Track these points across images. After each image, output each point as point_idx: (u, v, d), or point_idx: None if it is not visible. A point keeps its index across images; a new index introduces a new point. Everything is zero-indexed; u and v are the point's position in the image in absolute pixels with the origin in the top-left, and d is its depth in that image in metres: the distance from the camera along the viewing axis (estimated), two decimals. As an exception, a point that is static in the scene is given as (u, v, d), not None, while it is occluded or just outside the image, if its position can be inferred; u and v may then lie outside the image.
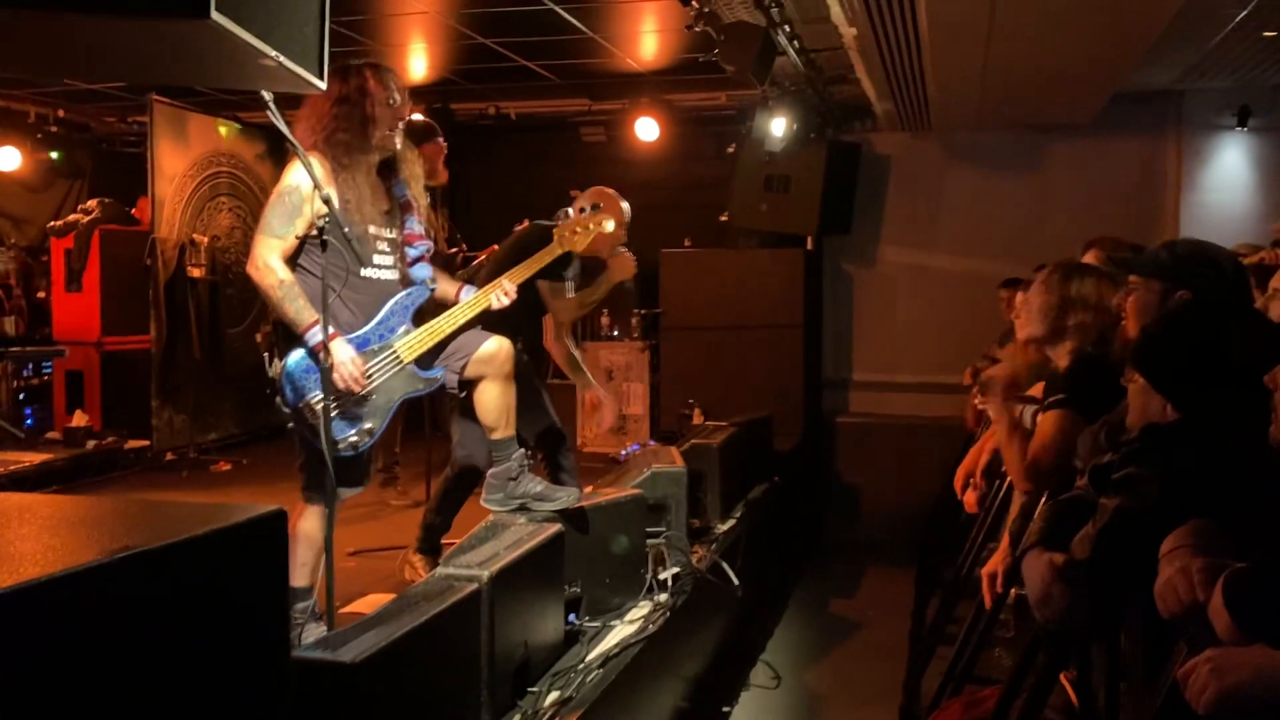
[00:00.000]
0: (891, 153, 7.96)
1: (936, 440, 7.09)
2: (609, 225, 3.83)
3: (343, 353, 3.08)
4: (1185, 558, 1.70)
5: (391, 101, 3.21)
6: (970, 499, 4.15)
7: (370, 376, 3.18)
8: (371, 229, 3.23)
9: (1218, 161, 7.39)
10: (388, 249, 3.30)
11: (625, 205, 4.48)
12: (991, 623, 3.31)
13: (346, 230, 2.98)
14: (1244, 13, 5.11)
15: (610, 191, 4.51)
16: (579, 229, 3.71)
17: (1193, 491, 1.86)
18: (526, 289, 4.09)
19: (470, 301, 3.37)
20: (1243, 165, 7.35)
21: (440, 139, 5.19)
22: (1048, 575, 2.05)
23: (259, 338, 3.23)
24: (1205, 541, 1.74)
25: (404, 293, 3.32)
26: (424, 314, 3.36)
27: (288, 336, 3.11)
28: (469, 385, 3.41)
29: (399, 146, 3.29)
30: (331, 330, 3.01)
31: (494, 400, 3.38)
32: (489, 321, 3.87)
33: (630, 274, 4.55)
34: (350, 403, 3.14)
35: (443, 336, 3.30)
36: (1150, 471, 1.95)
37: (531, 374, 4.46)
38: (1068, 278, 3.13)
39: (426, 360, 3.31)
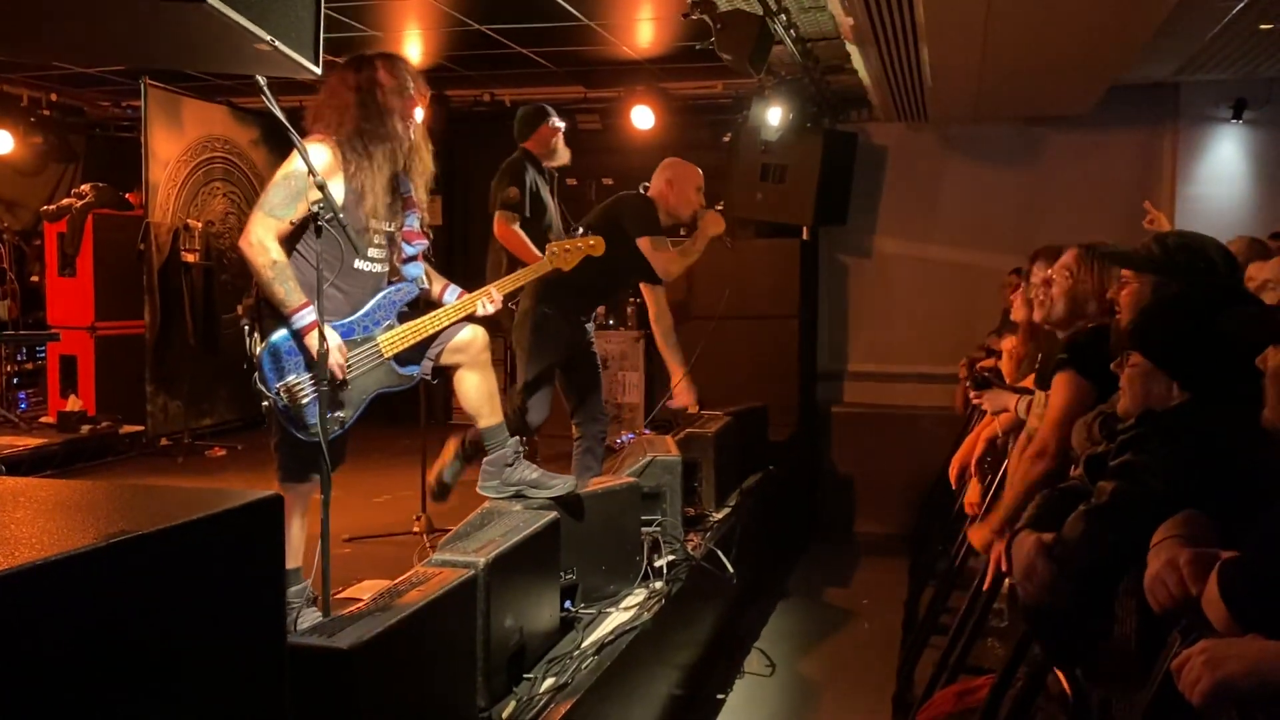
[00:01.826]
0: (888, 143, 7.95)
1: (931, 431, 7.11)
2: (599, 247, 3.85)
3: (329, 339, 3.07)
4: (1173, 549, 1.70)
5: (404, 91, 3.21)
6: (974, 491, 4.15)
7: (350, 366, 3.17)
8: (373, 222, 3.22)
9: (1213, 154, 7.39)
10: (383, 243, 3.29)
11: (699, 173, 4.83)
12: (985, 613, 3.33)
13: (343, 217, 2.97)
14: (1241, 5, 5.10)
15: (679, 160, 4.82)
16: (569, 248, 3.75)
17: (1193, 478, 1.86)
18: (626, 254, 4.26)
19: (456, 305, 3.37)
20: (1238, 158, 7.36)
21: (552, 119, 5.17)
22: (1033, 551, 2.06)
23: (240, 309, 3.22)
24: (1194, 532, 1.74)
25: (393, 288, 3.32)
26: (411, 311, 3.37)
27: (272, 315, 3.10)
28: (443, 373, 3.41)
29: (415, 137, 3.28)
30: (316, 317, 3.00)
31: (474, 388, 3.39)
32: (583, 284, 4.29)
33: (722, 228, 4.75)
34: (325, 390, 3.13)
35: (425, 336, 3.30)
36: (1151, 459, 1.95)
37: (598, 365, 4.71)
38: (1091, 266, 3.12)
39: (406, 357, 3.30)
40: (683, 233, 4.98)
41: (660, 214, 4.68)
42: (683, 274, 5.02)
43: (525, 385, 4.47)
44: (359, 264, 3.22)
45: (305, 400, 3.07)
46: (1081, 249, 3.18)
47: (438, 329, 3.32)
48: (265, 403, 3.12)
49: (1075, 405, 2.81)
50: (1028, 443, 3.24)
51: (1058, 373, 2.93)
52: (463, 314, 3.38)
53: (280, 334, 3.09)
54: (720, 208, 4.83)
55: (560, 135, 5.17)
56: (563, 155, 5.20)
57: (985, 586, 3.22)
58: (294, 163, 3.09)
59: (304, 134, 3.07)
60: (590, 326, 4.71)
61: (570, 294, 4.50)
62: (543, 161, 5.19)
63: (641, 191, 4.74)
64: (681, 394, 5.09)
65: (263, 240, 3.05)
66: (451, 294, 3.43)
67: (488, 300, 3.43)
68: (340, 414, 3.19)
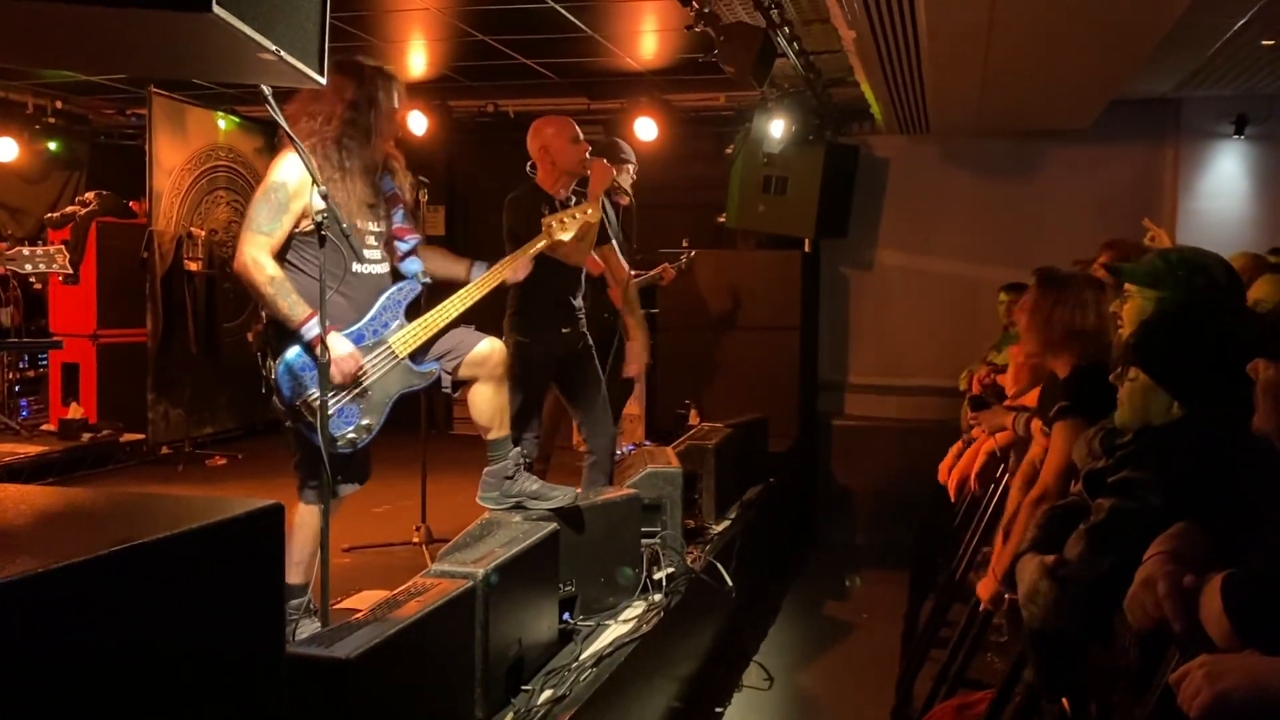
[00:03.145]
0: (889, 156, 7.97)
1: (931, 444, 7.08)
2: (594, 214, 3.82)
3: (341, 346, 3.08)
4: (1156, 566, 1.70)
5: (393, 115, 3.24)
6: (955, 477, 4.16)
7: (366, 372, 3.17)
8: (358, 224, 3.22)
9: (1214, 169, 7.40)
10: (375, 243, 3.30)
11: (571, 122, 4.35)
12: (984, 627, 3.33)
13: (345, 226, 2.97)
14: (1242, 21, 5.12)
15: (545, 118, 4.40)
16: (565, 219, 3.70)
17: (1191, 492, 1.86)
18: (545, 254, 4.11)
19: (463, 293, 3.35)
20: (1239, 173, 7.37)
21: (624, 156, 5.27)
22: (1036, 573, 2.06)
23: (250, 337, 3.22)
24: (1185, 545, 1.74)
25: (396, 287, 3.32)
26: (417, 308, 3.36)
27: (280, 334, 3.10)
28: (461, 386, 3.41)
29: (382, 153, 3.30)
30: (326, 325, 3.00)
31: (487, 402, 3.38)
32: (541, 297, 4.15)
33: (609, 178, 4.26)
34: (348, 399, 3.13)
35: (437, 330, 3.30)
36: (1148, 475, 1.95)
37: (597, 370, 4.46)
38: (1050, 292, 3.15)
39: (421, 354, 3.30)
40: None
41: (551, 188, 4.27)
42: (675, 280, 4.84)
43: (511, 417, 4.37)
44: (358, 267, 3.22)
45: (328, 413, 3.06)
46: (1038, 280, 3.21)
47: (449, 320, 3.31)
48: (288, 423, 3.12)
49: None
50: (1029, 469, 3.24)
51: (1058, 421, 2.94)
52: (484, 291, 3.37)
53: (293, 352, 3.08)
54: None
55: (628, 171, 5.25)
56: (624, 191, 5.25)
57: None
58: (274, 175, 3.10)
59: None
60: (576, 334, 4.37)
61: (537, 312, 4.29)
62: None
63: (530, 171, 4.38)
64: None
65: (257, 258, 3.05)
66: (479, 270, 3.44)
67: (519, 268, 3.48)
68: (366, 421, 3.19)
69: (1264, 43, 5.63)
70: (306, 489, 3.26)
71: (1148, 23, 4.64)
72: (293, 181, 3.01)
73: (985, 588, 3.16)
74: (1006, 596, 3.08)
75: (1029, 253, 6.42)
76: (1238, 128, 7.19)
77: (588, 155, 4.25)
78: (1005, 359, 5.47)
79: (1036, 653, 2.19)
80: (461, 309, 3.34)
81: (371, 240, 3.28)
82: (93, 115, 8.83)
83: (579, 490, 3.97)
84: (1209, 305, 2.26)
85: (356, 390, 3.14)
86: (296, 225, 3.10)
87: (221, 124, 8.07)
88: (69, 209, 7.86)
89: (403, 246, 3.38)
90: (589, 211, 3.77)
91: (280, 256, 3.12)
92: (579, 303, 4.39)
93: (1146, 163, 7.51)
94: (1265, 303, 3.22)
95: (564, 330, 4.33)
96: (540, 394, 4.43)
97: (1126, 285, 2.64)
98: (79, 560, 1.36)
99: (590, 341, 4.45)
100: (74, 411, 7.22)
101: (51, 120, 8.27)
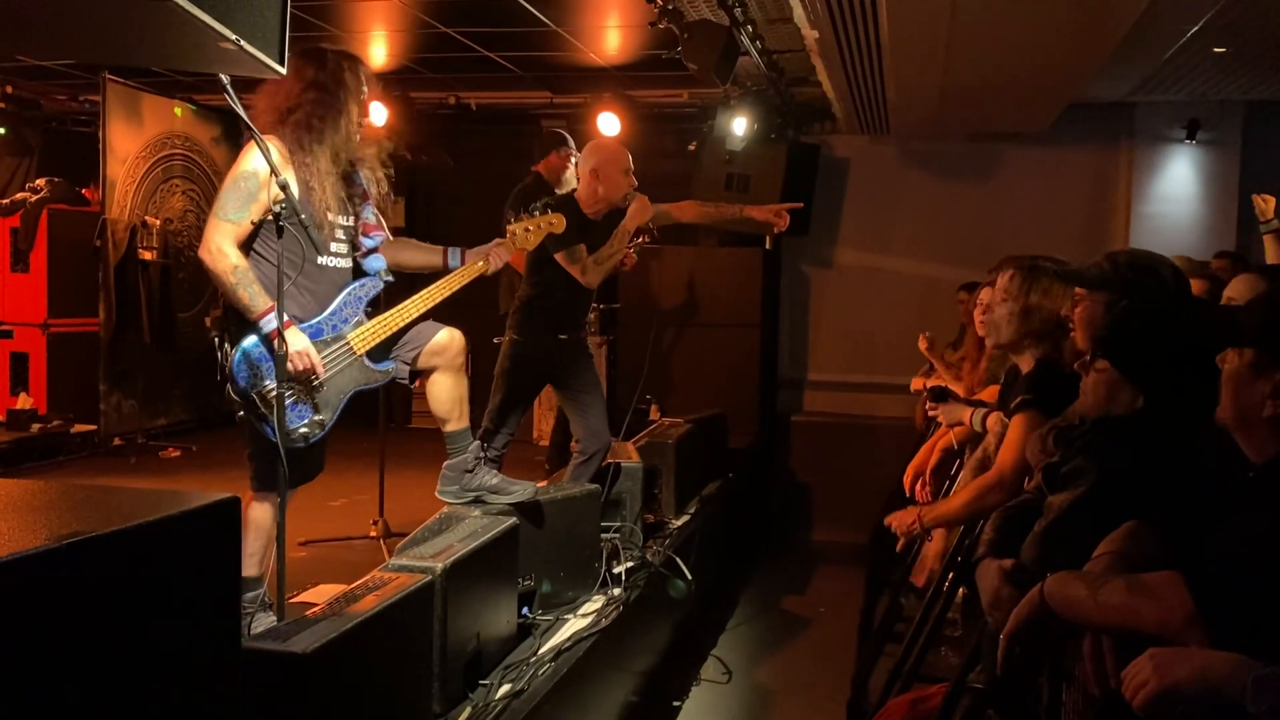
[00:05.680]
0: (850, 156, 8.03)
1: (889, 440, 7.18)
2: (560, 224, 3.77)
3: (298, 341, 3.04)
4: (1101, 578, 1.72)
5: (363, 96, 3.19)
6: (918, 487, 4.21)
7: (324, 366, 3.14)
8: (330, 216, 3.19)
9: (1167, 173, 7.54)
10: (343, 237, 3.27)
11: (627, 154, 4.44)
12: (939, 622, 3.37)
13: (304, 217, 2.94)
14: (1195, 29, 5.22)
15: (604, 142, 4.57)
16: (530, 227, 3.68)
17: (1141, 482, 1.88)
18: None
19: (424, 294, 3.30)
20: (1190, 177, 7.51)
21: (563, 149, 5.51)
22: (997, 579, 2.08)
23: (208, 322, 3.18)
24: (1135, 546, 1.77)
25: (358, 283, 3.29)
26: (378, 305, 3.34)
27: (240, 323, 3.06)
28: (419, 376, 3.39)
29: (358, 139, 3.25)
30: (285, 319, 2.97)
31: (446, 391, 3.37)
32: (545, 304, 4.17)
33: (647, 215, 4.38)
34: (302, 394, 3.10)
35: (395, 329, 3.27)
36: (1099, 462, 1.98)
37: (594, 376, 4.46)
38: (1030, 284, 3.15)
39: (379, 353, 3.28)
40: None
41: (588, 207, 4.30)
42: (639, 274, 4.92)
43: (494, 409, 4.30)
44: (322, 260, 3.19)
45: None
46: (1018, 269, 3.20)
47: (408, 321, 3.29)
48: (241, 413, 3.07)
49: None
50: (982, 455, 3.28)
51: (1020, 412, 2.97)
52: (435, 300, 3.32)
53: (250, 340, 3.04)
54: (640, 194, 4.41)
55: (571, 165, 5.38)
56: (569, 184, 5.39)
57: (918, 580, 3.24)
58: (245, 163, 3.05)
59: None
60: (575, 340, 4.37)
61: (538, 313, 4.30)
62: (553, 187, 5.42)
63: (539, 153, 4.55)
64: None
65: (221, 246, 3.00)
66: (454, 255, 3.42)
67: (495, 258, 3.45)
68: (319, 416, 3.15)
69: (1215, 50, 5.74)
70: (257, 480, 3.22)
71: (1103, 29, 4.72)
72: (264, 170, 2.97)
73: (900, 520, 3.20)
74: (961, 591, 3.12)
75: (986, 252, 6.46)
76: (1189, 133, 7.32)
77: (631, 190, 4.33)
78: (966, 355, 5.55)
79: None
80: (422, 309, 3.31)
81: (340, 234, 3.24)
82: (45, 100, 8.63)
83: (544, 484, 3.98)
84: (1179, 301, 2.28)
85: (311, 386, 3.11)
86: (265, 215, 3.05)
87: (178, 111, 7.95)
88: (19, 195, 7.69)
89: (368, 243, 3.34)
90: (552, 220, 3.74)
91: (246, 245, 3.08)
92: (585, 310, 4.41)
93: (1101, 166, 7.64)
94: (1239, 302, 3.28)
95: (561, 336, 4.32)
96: (524, 394, 4.40)
97: (1076, 289, 2.67)
98: (30, 553, 1.34)
99: (585, 354, 4.44)
100: (23, 402, 7.09)
101: (1, 105, 8.09)
